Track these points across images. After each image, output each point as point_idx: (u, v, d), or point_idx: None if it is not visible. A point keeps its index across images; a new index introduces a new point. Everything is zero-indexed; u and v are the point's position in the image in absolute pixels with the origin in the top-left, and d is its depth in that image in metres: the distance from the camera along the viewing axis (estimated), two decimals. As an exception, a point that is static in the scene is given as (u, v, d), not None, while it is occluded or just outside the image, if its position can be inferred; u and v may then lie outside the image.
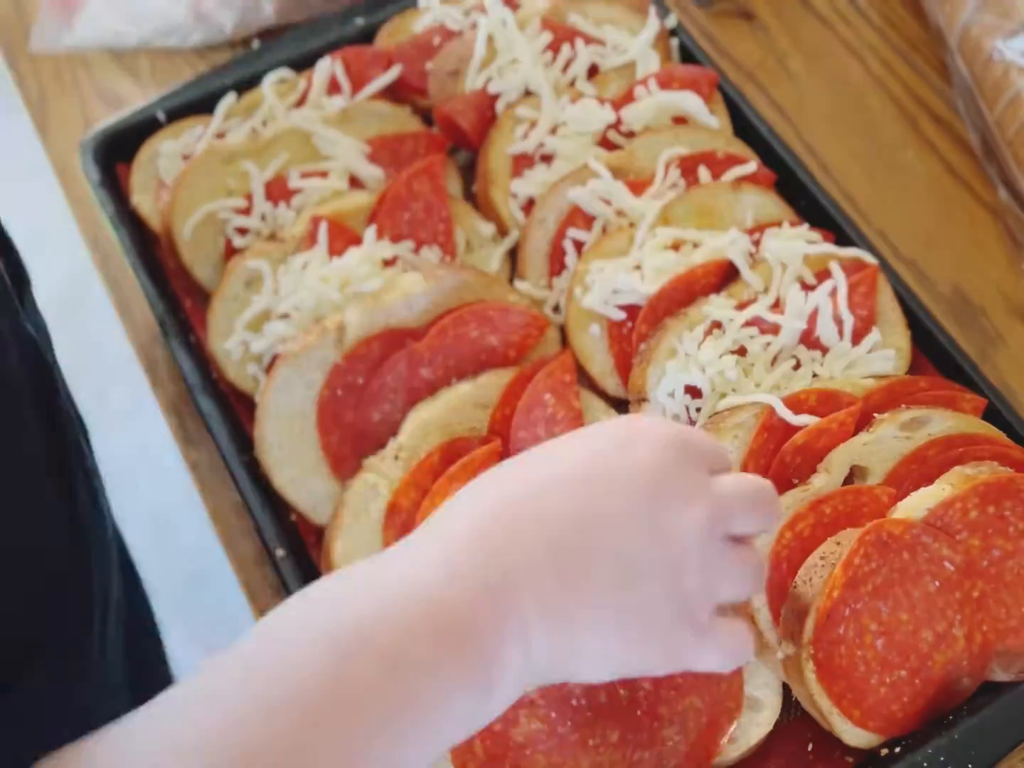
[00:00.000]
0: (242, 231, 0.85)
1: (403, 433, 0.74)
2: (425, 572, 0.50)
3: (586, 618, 0.51)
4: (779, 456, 0.71)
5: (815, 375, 0.75)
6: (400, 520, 0.71)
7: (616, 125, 0.87)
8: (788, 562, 0.67)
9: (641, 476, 0.53)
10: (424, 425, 0.74)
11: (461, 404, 0.75)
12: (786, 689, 0.68)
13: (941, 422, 0.72)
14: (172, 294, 0.86)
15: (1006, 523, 0.67)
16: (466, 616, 0.49)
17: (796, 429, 0.71)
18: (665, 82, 0.88)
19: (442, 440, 0.73)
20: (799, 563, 0.67)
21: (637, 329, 0.78)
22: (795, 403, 0.72)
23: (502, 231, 0.86)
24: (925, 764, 0.64)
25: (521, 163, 0.86)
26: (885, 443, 0.71)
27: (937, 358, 0.79)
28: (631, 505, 0.53)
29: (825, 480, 0.70)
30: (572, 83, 0.90)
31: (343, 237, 0.82)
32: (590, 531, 0.52)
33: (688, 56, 0.93)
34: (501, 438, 0.74)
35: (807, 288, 0.77)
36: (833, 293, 0.76)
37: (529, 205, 0.85)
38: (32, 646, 0.63)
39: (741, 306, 0.76)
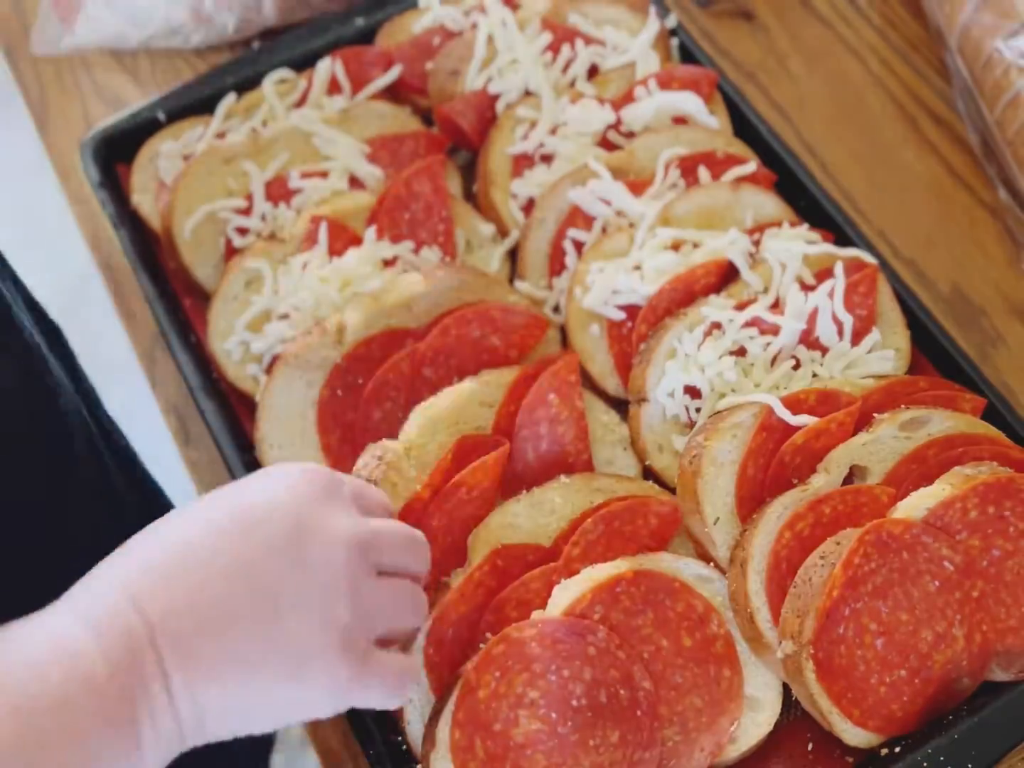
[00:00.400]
0: (242, 231, 0.85)
1: (412, 430, 0.74)
2: (71, 637, 0.49)
3: (232, 659, 0.51)
4: (778, 456, 0.71)
5: (815, 375, 0.75)
6: (415, 518, 0.71)
7: (616, 125, 0.87)
8: (788, 562, 0.67)
9: (281, 514, 0.55)
10: (432, 423, 0.74)
11: (467, 402, 0.74)
12: (786, 689, 0.67)
13: (940, 422, 0.72)
14: (172, 294, 0.86)
15: (1006, 523, 0.67)
16: (109, 681, 0.48)
17: (795, 429, 0.71)
18: (665, 82, 0.88)
19: (449, 437, 0.73)
20: (798, 563, 0.67)
21: (637, 329, 0.78)
22: (794, 403, 0.72)
23: (502, 231, 0.86)
24: (925, 764, 0.64)
25: (521, 163, 0.86)
26: (884, 443, 0.71)
27: (937, 358, 0.79)
28: (273, 542, 0.53)
29: (824, 480, 0.70)
30: (572, 83, 0.90)
31: (343, 237, 0.82)
32: (234, 575, 0.52)
33: (688, 56, 0.93)
34: (507, 436, 0.74)
35: (807, 288, 0.77)
36: (832, 293, 0.76)
37: (529, 205, 0.85)
38: None
39: (741, 306, 0.76)
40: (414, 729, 0.66)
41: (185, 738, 0.51)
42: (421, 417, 0.73)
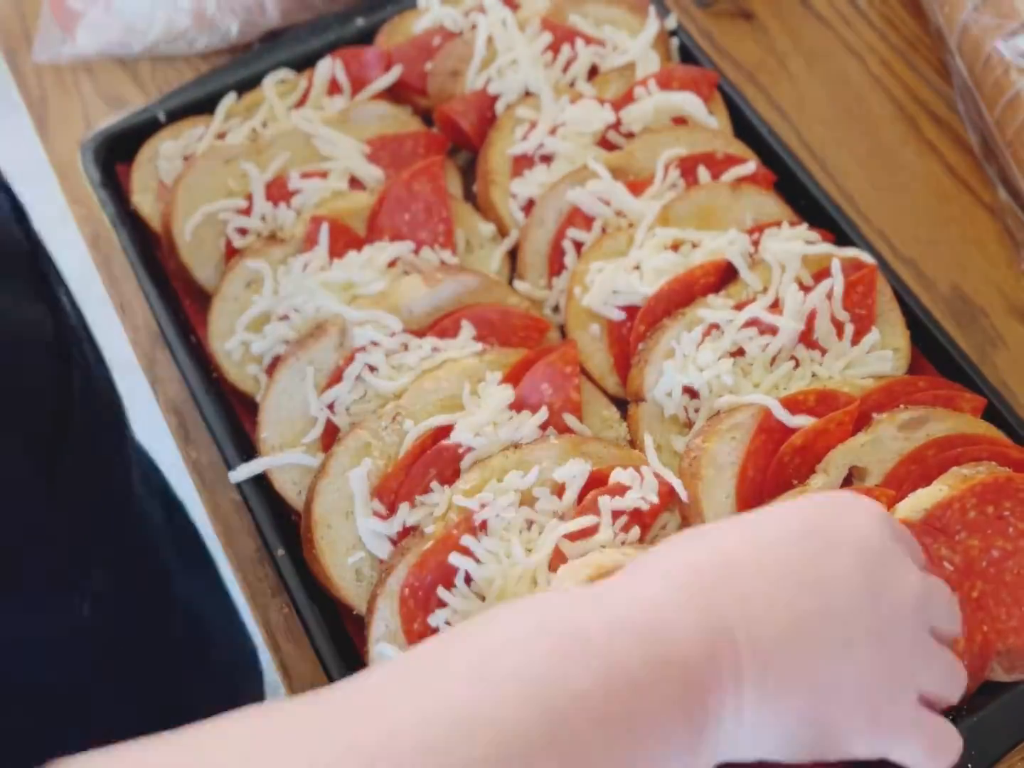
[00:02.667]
0: (242, 232, 0.85)
1: (404, 397, 0.74)
2: (647, 601, 0.48)
3: (803, 681, 0.49)
4: (778, 457, 0.71)
5: (814, 375, 0.75)
6: (389, 499, 0.71)
7: (616, 125, 0.87)
8: None
9: (861, 541, 0.53)
10: (425, 392, 0.74)
11: (463, 377, 0.75)
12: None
13: (939, 422, 0.72)
14: (172, 294, 0.86)
15: (1005, 523, 0.67)
16: (688, 661, 0.47)
17: (794, 430, 0.71)
18: (665, 82, 0.88)
19: (440, 409, 0.73)
20: None
21: (636, 329, 0.78)
22: (793, 404, 0.72)
23: (502, 231, 0.86)
24: (925, 764, 0.64)
25: (521, 163, 0.87)
26: (884, 444, 0.71)
27: (936, 358, 0.79)
28: (852, 567, 0.52)
29: (823, 481, 0.70)
30: (572, 83, 0.90)
31: (343, 238, 0.82)
32: (811, 589, 0.50)
33: (688, 56, 0.93)
34: None
35: (805, 288, 0.77)
36: (831, 293, 0.76)
37: (529, 205, 0.85)
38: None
39: (740, 306, 0.76)
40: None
41: (734, 746, 0.49)
42: (416, 386, 0.74)
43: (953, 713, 0.66)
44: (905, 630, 0.52)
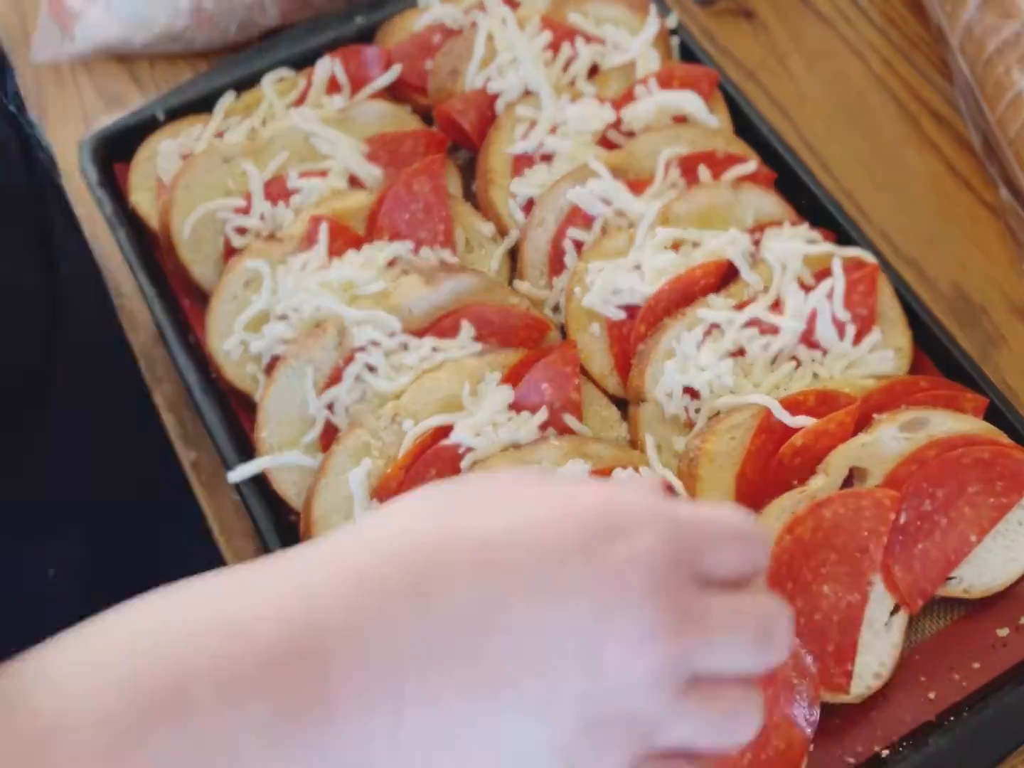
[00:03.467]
0: (241, 231, 0.85)
1: (404, 397, 0.74)
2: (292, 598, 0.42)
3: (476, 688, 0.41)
4: (778, 457, 0.70)
5: (815, 375, 0.75)
6: (388, 499, 0.71)
7: (616, 124, 0.87)
8: (787, 566, 0.67)
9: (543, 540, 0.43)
10: (424, 392, 0.74)
11: (463, 377, 0.74)
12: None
13: (941, 422, 0.72)
14: (171, 294, 0.85)
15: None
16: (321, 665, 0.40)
17: (794, 431, 0.71)
18: (665, 81, 0.87)
19: (440, 409, 0.73)
20: (798, 568, 0.67)
21: (636, 329, 0.78)
22: (794, 404, 0.72)
23: (502, 231, 0.86)
24: (926, 765, 0.64)
25: (521, 163, 0.86)
26: (884, 444, 0.71)
27: (938, 357, 0.79)
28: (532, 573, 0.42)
29: (823, 482, 0.69)
30: (572, 82, 0.90)
31: (342, 237, 0.82)
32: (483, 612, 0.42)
33: (689, 55, 0.93)
34: None
35: (807, 288, 0.77)
36: (832, 293, 0.76)
37: (529, 205, 0.84)
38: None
39: (740, 306, 0.76)
40: None
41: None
42: (416, 386, 0.74)
43: (953, 714, 0.66)
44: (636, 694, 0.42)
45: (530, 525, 0.43)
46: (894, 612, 0.69)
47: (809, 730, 0.65)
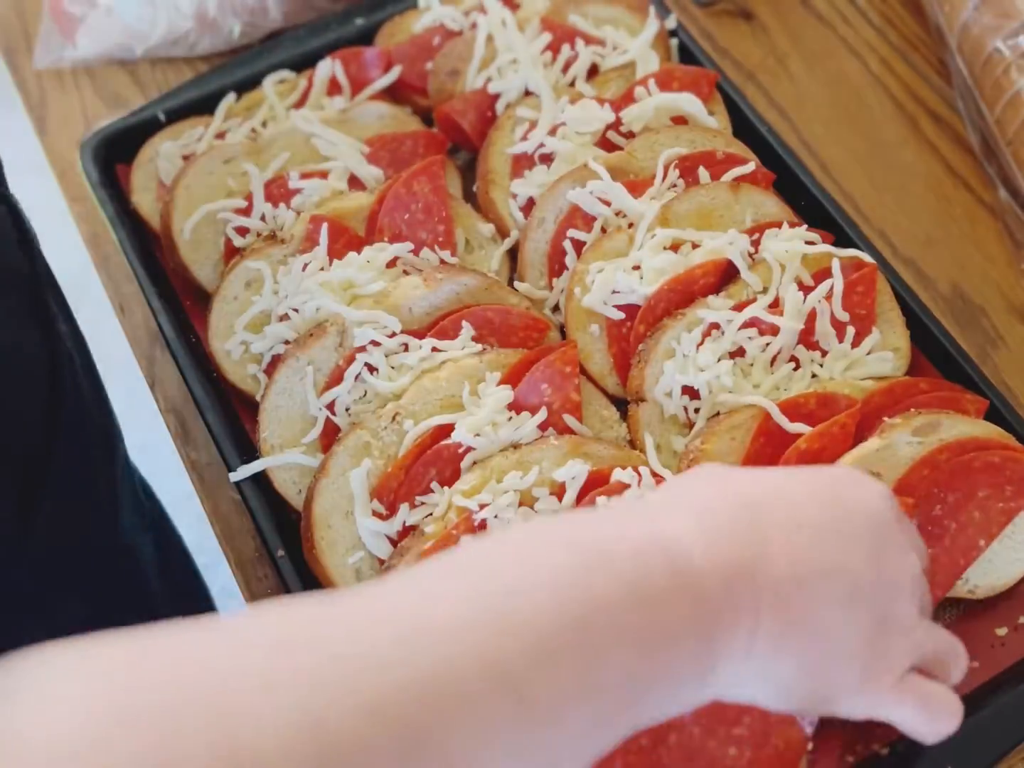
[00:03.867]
0: (242, 231, 0.85)
1: (404, 397, 0.74)
2: (671, 526, 0.49)
3: (810, 625, 0.51)
4: (782, 462, 0.70)
5: (814, 376, 0.75)
6: (388, 499, 0.71)
7: (616, 125, 0.87)
8: None
9: (873, 514, 0.55)
10: (424, 393, 0.74)
11: (463, 377, 0.75)
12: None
13: (952, 426, 0.71)
14: (172, 294, 0.86)
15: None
16: (710, 586, 0.48)
17: (794, 432, 0.71)
18: (665, 82, 0.88)
19: (440, 409, 0.73)
20: None
21: (635, 329, 0.78)
22: (794, 407, 0.72)
23: (502, 231, 0.86)
24: (925, 764, 0.64)
25: (521, 163, 0.86)
26: (897, 449, 0.70)
27: (937, 358, 0.79)
28: (864, 534, 0.54)
29: None
30: (572, 83, 0.90)
31: (343, 238, 0.82)
32: (829, 545, 0.52)
33: (688, 56, 0.93)
34: None
35: (805, 289, 0.77)
36: (831, 293, 0.76)
37: (529, 205, 0.85)
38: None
39: (739, 307, 0.76)
40: None
41: (736, 684, 0.50)
42: (417, 386, 0.74)
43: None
44: (903, 600, 0.54)
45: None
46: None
47: (809, 729, 0.65)
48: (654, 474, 0.71)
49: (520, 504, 0.70)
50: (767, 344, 0.75)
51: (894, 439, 0.71)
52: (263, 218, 0.85)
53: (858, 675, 0.53)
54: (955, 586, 0.70)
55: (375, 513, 0.71)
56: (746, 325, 0.75)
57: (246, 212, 0.85)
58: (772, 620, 0.49)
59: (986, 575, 0.70)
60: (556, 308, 0.83)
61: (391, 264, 0.81)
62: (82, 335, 0.87)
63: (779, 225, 0.81)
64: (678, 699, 0.48)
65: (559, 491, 0.70)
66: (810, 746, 0.67)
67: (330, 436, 0.76)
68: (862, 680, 0.53)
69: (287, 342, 0.79)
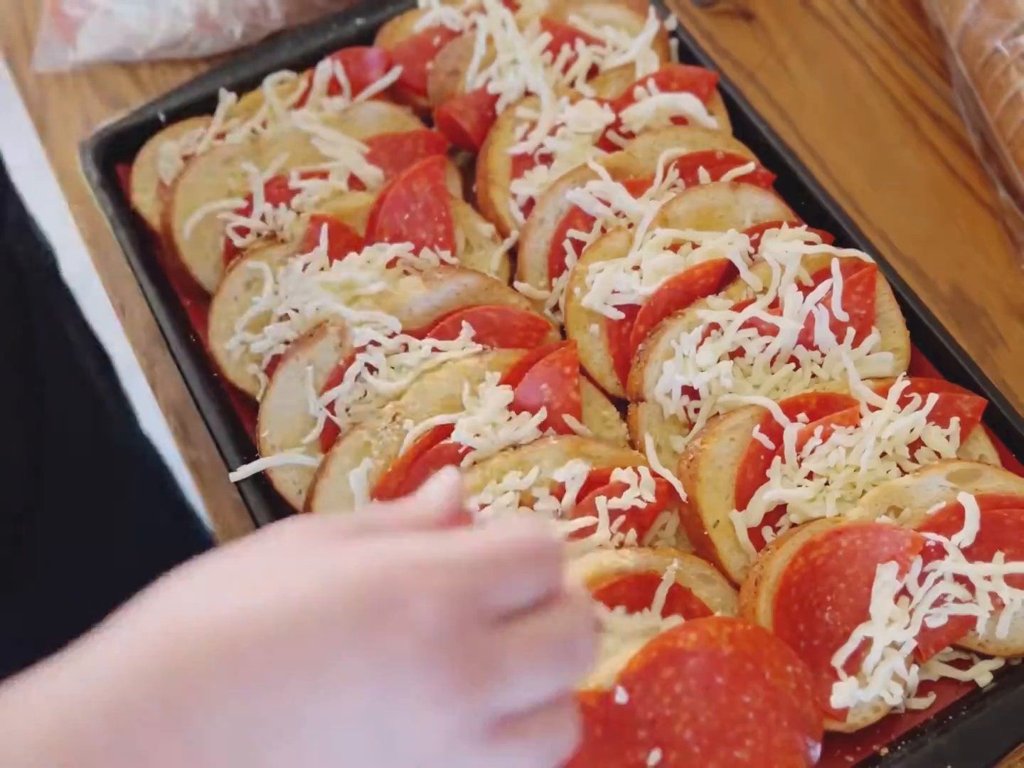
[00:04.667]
0: (242, 231, 0.85)
1: (404, 397, 0.74)
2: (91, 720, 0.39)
3: None
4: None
5: (814, 376, 0.75)
6: (388, 499, 0.71)
7: (615, 126, 0.87)
8: (797, 588, 0.67)
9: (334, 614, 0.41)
10: (424, 393, 0.74)
11: (463, 377, 0.75)
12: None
13: (991, 479, 0.71)
14: (172, 294, 0.86)
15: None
16: None
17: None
18: (664, 83, 0.88)
19: (440, 409, 0.73)
20: (808, 592, 0.67)
21: (635, 329, 0.78)
22: (795, 407, 0.72)
23: (502, 231, 0.86)
24: (925, 764, 0.64)
25: (521, 163, 0.86)
26: (928, 490, 0.70)
27: (936, 358, 0.79)
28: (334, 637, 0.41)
29: (859, 516, 0.69)
30: (572, 83, 0.90)
31: (343, 238, 0.82)
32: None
33: (688, 56, 0.93)
34: None
35: (805, 289, 0.77)
36: (831, 293, 0.76)
37: (529, 205, 0.85)
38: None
39: (739, 307, 0.76)
40: None
41: None
42: (416, 386, 0.74)
43: (952, 713, 0.66)
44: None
45: (296, 608, 0.41)
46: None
47: (813, 753, 0.64)
48: (654, 474, 0.71)
49: (520, 504, 0.70)
50: (767, 344, 0.75)
51: (927, 480, 0.70)
52: (263, 218, 0.85)
53: None
54: (965, 637, 0.69)
55: None
56: (746, 325, 0.75)
57: (246, 212, 0.85)
58: None
59: (999, 630, 0.68)
60: (556, 308, 0.83)
61: (391, 264, 0.81)
62: (83, 376, 0.82)
63: (779, 225, 0.81)
64: None
65: (559, 491, 0.70)
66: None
67: (330, 436, 0.76)
68: None
69: (287, 342, 0.79)
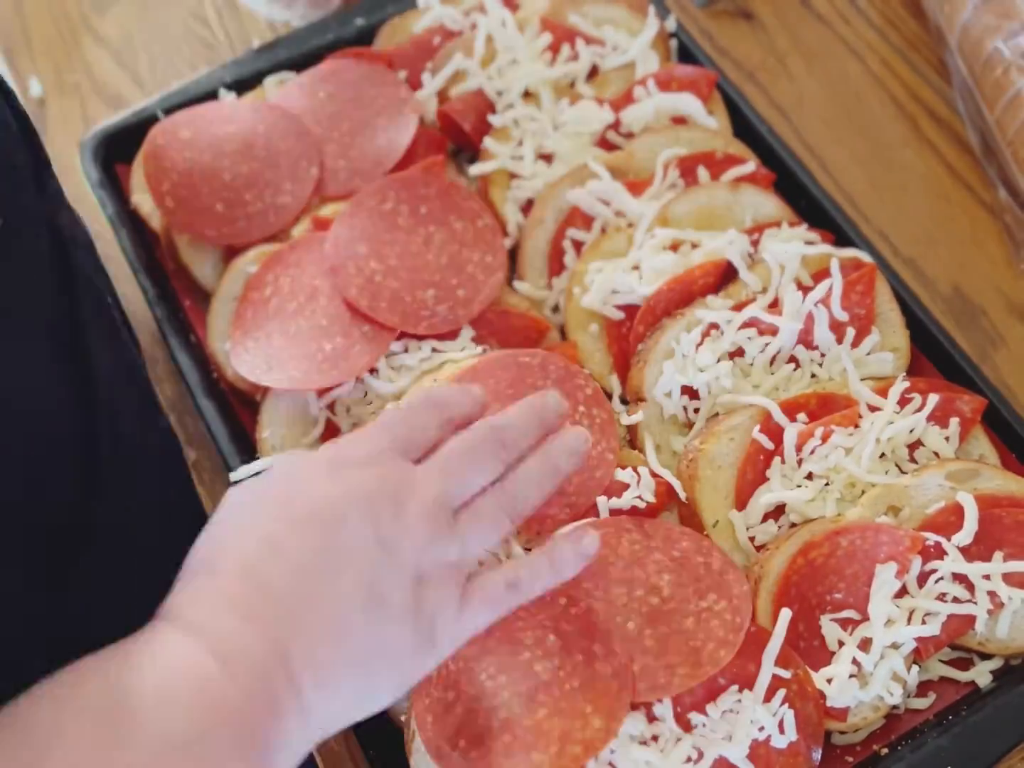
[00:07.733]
0: (242, 231, 0.85)
1: (404, 398, 0.74)
2: (196, 663, 0.50)
3: (350, 665, 0.53)
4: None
5: (813, 376, 0.75)
6: None
7: (615, 126, 0.87)
8: (796, 588, 0.67)
9: (321, 500, 0.57)
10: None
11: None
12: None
13: (990, 479, 0.71)
14: (172, 294, 0.86)
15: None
16: (244, 709, 0.49)
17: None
18: (664, 83, 0.88)
19: None
20: (806, 591, 0.67)
21: (635, 330, 0.78)
22: (794, 407, 0.72)
23: (502, 231, 0.86)
24: (925, 764, 0.64)
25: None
26: (927, 490, 0.70)
27: (936, 358, 0.79)
28: (355, 533, 0.55)
29: (858, 515, 0.69)
30: (572, 84, 0.90)
31: (343, 238, 0.82)
32: (313, 566, 0.54)
33: (687, 56, 0.93)
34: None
35: (805, 289, 0.77)
36: (830, 293, 0.76)
37: (529, 205, 0.85)
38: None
39: (739, 307, 0.76)
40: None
41: (309, 740, 0.53)
42: (416, 389, 0.74)
43: (952, 713, 0.66)
44: (408, 541, 0.56)
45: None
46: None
47: (814, 755, 0.64)
48: (653, 474, 0.71)
49: None
50: (766, 344, 0.75)
51: (925, 479, 0.70)
52: (263, 218, 0.85)
53: (415, 636, 0.55)
54: (965, 637, 0.69)
55: None
56: (745, 325, 0.75)
57: (246, 212, 0.85)
58: (315, 690, 0.51)
59: (998, 630, 0.68)
60: (556, 308, 0.83)
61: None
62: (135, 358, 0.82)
63: (778, 225, 0.81)
64: None
65: None
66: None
67: (330, 436, 0.76)
68: (426, 628, 0.55)
69: (287, 342, 0.79)
